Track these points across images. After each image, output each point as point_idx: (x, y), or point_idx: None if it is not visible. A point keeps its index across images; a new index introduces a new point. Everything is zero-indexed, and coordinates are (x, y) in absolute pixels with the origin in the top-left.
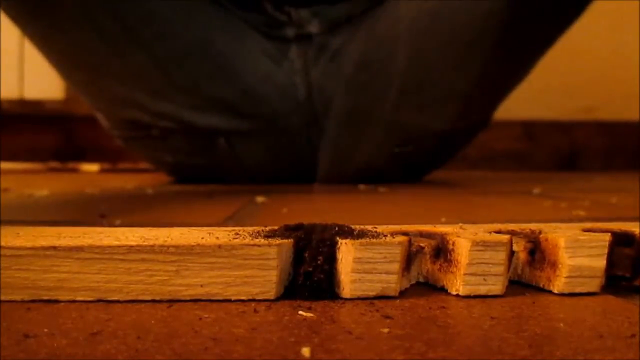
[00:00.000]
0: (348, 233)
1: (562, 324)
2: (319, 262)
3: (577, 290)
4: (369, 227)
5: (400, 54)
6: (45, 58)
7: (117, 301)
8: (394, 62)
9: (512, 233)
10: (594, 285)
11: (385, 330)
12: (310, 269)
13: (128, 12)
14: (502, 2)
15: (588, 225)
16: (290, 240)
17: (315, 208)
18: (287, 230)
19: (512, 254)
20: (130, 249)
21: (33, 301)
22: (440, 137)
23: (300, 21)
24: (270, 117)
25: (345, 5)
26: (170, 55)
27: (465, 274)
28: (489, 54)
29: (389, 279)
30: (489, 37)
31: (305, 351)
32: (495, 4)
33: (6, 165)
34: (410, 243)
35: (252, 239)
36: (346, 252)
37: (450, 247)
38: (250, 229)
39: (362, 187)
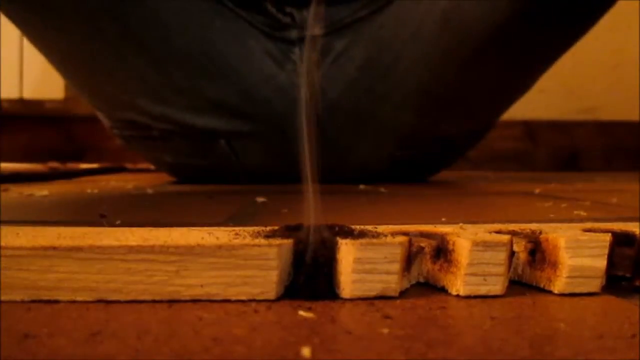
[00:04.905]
0: (348, 233)
1: (562, 324)
2: (319, 262)
3: (578, 290)
4: (369, 227)
5: (405, 58)
6: (45, 58)
7: (117, 301)
8: (398, 66)
9: (512, 233)
10: (594, 285)
11: (386, 330)
12: (311, 269)
13: (128, 14)
14: (511, 12)
15: (588, 225)
16: (291, 241)
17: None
18: (287, 230)
19: (512, 254)
20: (130, 249)
21: (33, 301)
22: (444, 141)
23: (303, 23)
24: (272, 119)
25: (349, 8)
26: (170, 57)
27: (465, 274)
28: (497, 61)
29: (390, 279)
30: (498, 45)
31: (305, 351)
32: (505, 14)
33: (6, 165)
34: (410, 243)
35: (252, 239)
36: (346, 252)
37: (451, 247)
38: (250, 229)
39: (362, 187)
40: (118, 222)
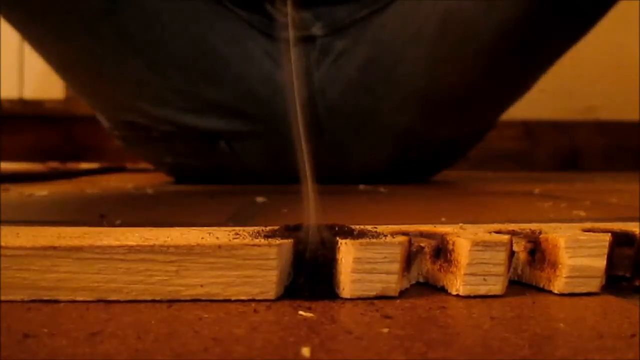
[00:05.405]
0: (348, 233)
1: (562, 324)
2: (319, 262)
3: (577, 290)
4: (369, 227)
5: (406, 59)
6: (44, 61)
7: (117, 301)
8: (399, 67)
9: (512, 233)
10: (594, 285)
11: (385, 330)
12: (311, 269)
13: (127, 17)
14: (512, 13)
15: (588, 225)
16: (291, 240)
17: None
18: (287, 230)
19: (512, 254)
20: (130, 249)
21: (33, 301)
22: (444, 141)
23: (303, 23)
24: (272, 119)
25: (349, 8)
26: (169, 60)
27: (465, 274)
28: (497, 62)
29: (389, 279)
30: (499, 46)
31: (305, 351)
32: (506, 16)
33: (6, 165)
34: (410, 243)
35: (252, 239)
36: (346, 252)
37: (451, 247)
38: (250, 229)
39: (362, 187)
40: (118, 222)
